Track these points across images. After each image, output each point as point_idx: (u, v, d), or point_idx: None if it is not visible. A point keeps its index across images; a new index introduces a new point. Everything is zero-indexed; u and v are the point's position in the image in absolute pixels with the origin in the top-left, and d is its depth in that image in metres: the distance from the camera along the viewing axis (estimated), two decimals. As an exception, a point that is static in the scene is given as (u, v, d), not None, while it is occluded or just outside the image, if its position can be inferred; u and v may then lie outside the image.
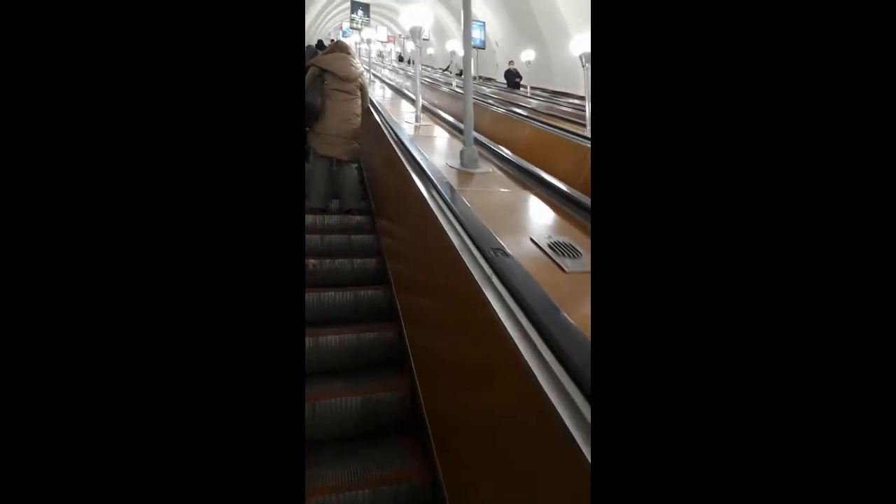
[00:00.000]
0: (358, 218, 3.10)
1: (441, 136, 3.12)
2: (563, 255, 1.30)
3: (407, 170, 2.02)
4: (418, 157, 2.02)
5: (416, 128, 3.21)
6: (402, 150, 2.31)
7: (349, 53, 3.14)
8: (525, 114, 4.72)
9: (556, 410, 0.68)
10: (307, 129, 3.00)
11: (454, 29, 11.70)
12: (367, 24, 9.29)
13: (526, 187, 2.00)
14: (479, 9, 11.00)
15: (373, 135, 3.23)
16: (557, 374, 0.73)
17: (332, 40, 4.67)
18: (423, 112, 3.50)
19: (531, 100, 7.19)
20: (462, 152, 2.10)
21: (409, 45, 12.79)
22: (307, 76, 3.05)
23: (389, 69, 12.88)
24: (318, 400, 1.63)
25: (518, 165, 2.23)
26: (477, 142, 2.56)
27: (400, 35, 15.13)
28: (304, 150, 3.05)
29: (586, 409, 0.66)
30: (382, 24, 13.70)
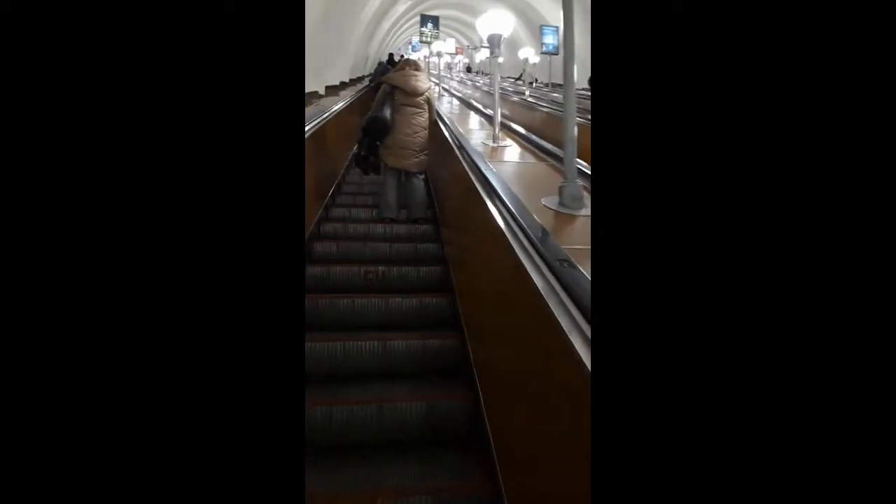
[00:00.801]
0: (424, 227, 3.18)
1: (526, 161, 2.52)
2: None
3: (488, 211, 1.62)
4: (503, 194, 1.61)
5: (494, 149, 2.72)
6: (479, 180, 1.92)
7: (417, 69, 3.24)
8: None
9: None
10: (378, 142, 3.14)
11: (524, 37, 11.65)
12: (437, 37, 9.37)
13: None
14: (553, 13, 10.83)
15: (442, 151, 3.05)
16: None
17: (402, 56, 4.82)
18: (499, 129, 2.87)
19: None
20: (562, 188, 1.56)
21: (478, 56, 12.90)
22: (378, 93, 3.19)
23: (457, 80, 13.08)
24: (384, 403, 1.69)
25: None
26: (555, 157, 2.28)
27: (468, 46, 15.33)
28: (375, 164, 3.19)
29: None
30: (451, 36, 13.95)
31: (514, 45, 11.69)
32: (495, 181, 1.77)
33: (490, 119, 3.63)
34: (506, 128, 3.32)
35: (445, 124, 3.28)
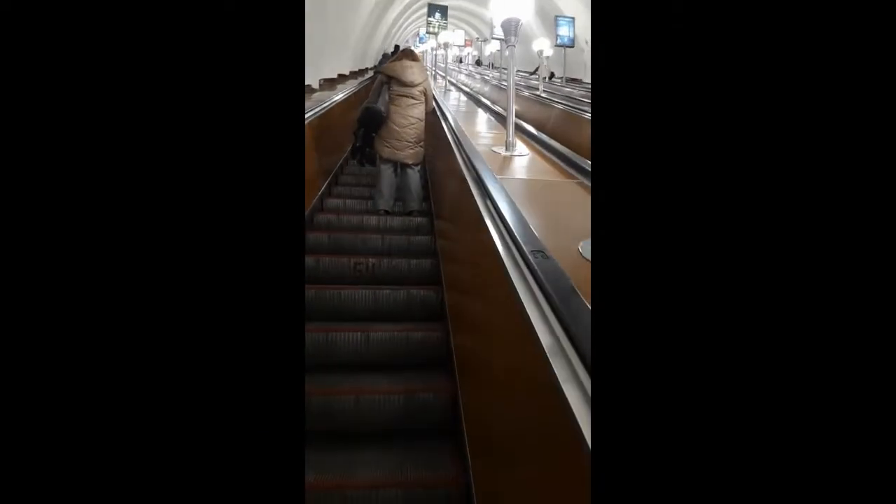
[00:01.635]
0: (419, 220, 3.17)
1: (549, 178, 1.97)
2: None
3: (504, 273, 1.04)
4: (524, 243, 1.03)
5: (506, 160, 2.19)
6: (490, 216, 1.29)
7: (414, 60, 3.21)
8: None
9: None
10: (373, 134, 3.12)
11: (535, 28, 11.43)
12: (445, 28, 9.21)
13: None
14: (567, 3, 10.52)
15: (444, 160, 2.55)
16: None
17: (396, 46, 4.74)
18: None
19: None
20: None
21: (487, 49, 12.77)
22: (375, 83, 3.17)
23: (465, 74, 12.88)
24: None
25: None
26: (584, 171, 1.81)
27: (477, 38, 15.21)
28: (371, 155, 3.18)
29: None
30: (459, 28, 13.80)
31: (525, 37, 11.53)
32: (510, 216, 1.18)
33: (501, 118, 3.31)
34: (521, 129, 2.84)
35: (450, 125, 2.86)
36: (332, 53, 6.15)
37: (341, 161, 4.21)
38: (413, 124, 3.10)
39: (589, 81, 9.43)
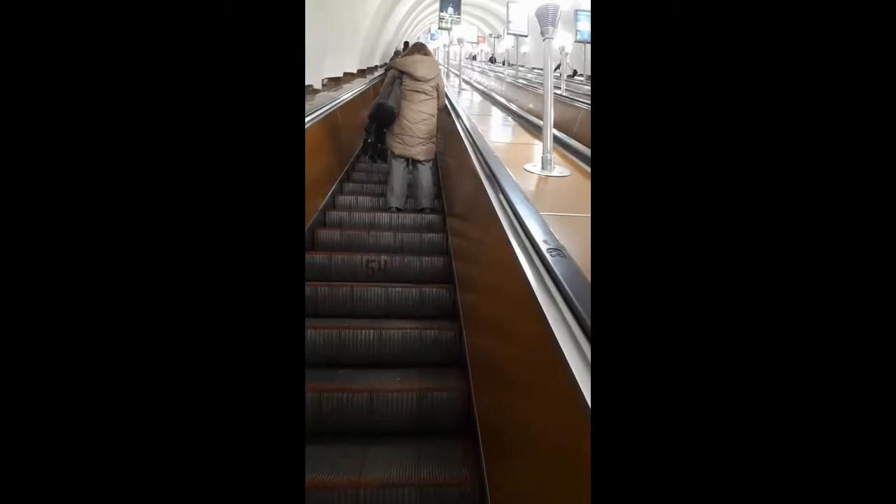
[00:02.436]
0: (431, 217, 3.14)
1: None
2: None
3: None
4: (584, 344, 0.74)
5: (543, 180, 1.72)
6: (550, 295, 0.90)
7: (426, 54, 3.18)
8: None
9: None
10: (385, 130, 3.10)
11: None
12: (458, 23, 9.02)
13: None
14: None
15: (468, 193, 2.09)
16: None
17: (406, 43, 4.67)
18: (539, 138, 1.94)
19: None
20: None
21: (501, 46, 12.62)
22: (386, 79, 3.15)
23: (479, 71, 12.65)
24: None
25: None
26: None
27: (490, 35, 15.10)
28: (383, 151, 3.16)
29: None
30: (472, 24, 13.70)
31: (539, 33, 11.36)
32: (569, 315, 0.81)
33: (527, 122, 2.95)
34: (535, 127, 2.36)
35: (467, 130, 2.45)
36: (336, 49, 6.06)
37: (350, 161, 4.16)
38: (425, 120, 3.07)
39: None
